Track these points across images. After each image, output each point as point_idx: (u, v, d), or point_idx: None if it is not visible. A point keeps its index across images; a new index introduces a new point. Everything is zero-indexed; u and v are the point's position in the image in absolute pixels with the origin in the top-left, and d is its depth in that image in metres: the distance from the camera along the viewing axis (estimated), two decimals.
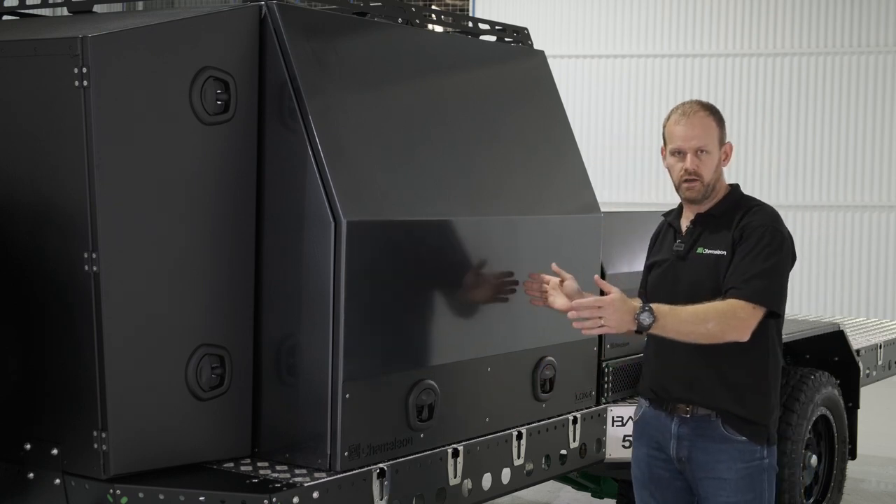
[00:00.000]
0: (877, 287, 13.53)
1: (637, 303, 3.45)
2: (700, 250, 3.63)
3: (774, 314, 3.55)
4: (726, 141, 3.71)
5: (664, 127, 3.72)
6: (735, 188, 3.76)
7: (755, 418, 3.61)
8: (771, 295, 3.51)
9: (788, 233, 3.63)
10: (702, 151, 3.62)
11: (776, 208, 3.73)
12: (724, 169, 3.75)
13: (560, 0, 14.65)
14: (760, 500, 3.64)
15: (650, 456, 3.76)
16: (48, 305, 3.42)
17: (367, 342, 3.64)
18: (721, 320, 3.44)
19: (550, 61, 4.86)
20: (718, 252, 3.59)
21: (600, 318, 3.35)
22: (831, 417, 5.81)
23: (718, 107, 3.80)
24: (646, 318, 3.40)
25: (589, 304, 3.37)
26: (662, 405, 3.70)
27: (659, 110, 14.15)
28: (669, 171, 3.70)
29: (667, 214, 3.90)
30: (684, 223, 3.74)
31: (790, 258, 3.61)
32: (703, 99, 3.81)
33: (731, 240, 3.57)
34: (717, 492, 3.62)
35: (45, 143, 3.38)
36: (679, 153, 3.65)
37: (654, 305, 3.43)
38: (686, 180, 3.64)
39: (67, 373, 3.39)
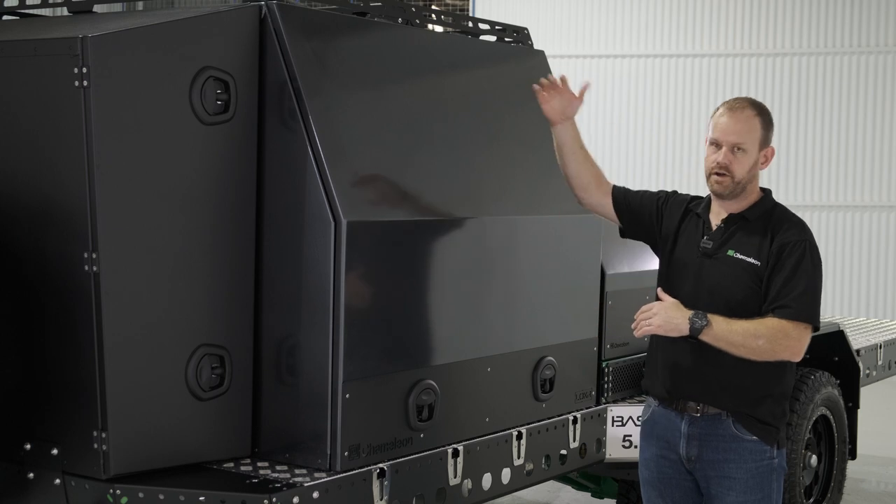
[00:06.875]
0: (877, 287, 13.53)
1: (690, 312, 3.48)
2: (731, 252, 3.59)
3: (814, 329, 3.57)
4: (769, 145, 3.64)
5: (711, 117, 3.67)
6: (768, 193, 3.71)
7: (769, 420, 3.60)
8: (816, 313, 3.53)
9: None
10: (738, 148, 3.56)
11: None
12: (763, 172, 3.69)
13: (560, 0, 14.65)
14: (769, 501, 3.63)
15: (660, 456, 3.73)
16: (48, 305, 3.42)
17: (367, 342, 3.64)
18: (772, 339, 3.45)
19: (550, 61, 4.86)
20: (751, 260, 3.55)
21: (649, 318, 3.47)
22: (831, 417, 5.81)
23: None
24: (699, 321, 3.44)
25: (643, 309, 3.51)
26: (672, 404, 3.68)
27: (659, 110, 14.14)
28: (705, 160, 3.65)
29: (693, 200, 3.79)
30: (713, 219, 3.68)
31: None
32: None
33: (768, 253, 3.54)
34: (726, 491, 3.61)
35: (45, 143, 3.38)
36: (716, 144, 3.60)
37: (708, 314, 3.46)
38: (716, 173, 3.58)
39: (67, 373, 3.39)
